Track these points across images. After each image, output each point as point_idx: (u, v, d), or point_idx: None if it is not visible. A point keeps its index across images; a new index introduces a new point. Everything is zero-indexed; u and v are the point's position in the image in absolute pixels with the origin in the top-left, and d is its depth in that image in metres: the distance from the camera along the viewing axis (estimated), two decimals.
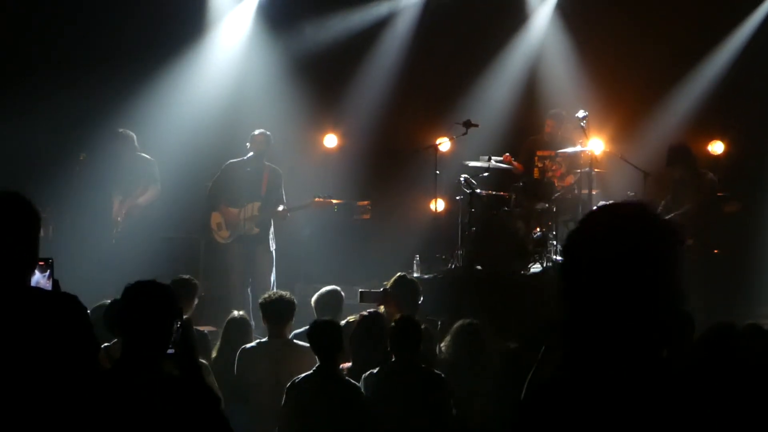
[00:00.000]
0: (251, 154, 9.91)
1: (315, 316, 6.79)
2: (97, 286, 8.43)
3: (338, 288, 7.43)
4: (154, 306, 3.47)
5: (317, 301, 7.19)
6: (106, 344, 5.69)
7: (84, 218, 10.21)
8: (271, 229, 10.06)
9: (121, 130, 10.25)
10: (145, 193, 10.17)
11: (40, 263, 3.66)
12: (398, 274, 7.48)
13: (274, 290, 6.60)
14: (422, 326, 5.94)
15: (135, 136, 10.28)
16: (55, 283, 3.85)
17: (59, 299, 3.48)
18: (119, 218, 10.12)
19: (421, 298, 7.22)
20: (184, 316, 6.33)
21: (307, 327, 5.91)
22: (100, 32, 11.64)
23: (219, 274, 10.35)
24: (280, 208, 9.88)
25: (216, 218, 10.04)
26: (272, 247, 10.02)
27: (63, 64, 11.51)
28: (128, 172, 10.17)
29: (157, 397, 3.39)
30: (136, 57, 11.57)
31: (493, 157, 10.59)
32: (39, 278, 3.74)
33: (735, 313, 7.98)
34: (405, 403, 5.52)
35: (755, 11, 11.73)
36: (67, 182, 9.98)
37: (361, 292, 8.13)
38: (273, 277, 10.03)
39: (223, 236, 9.99)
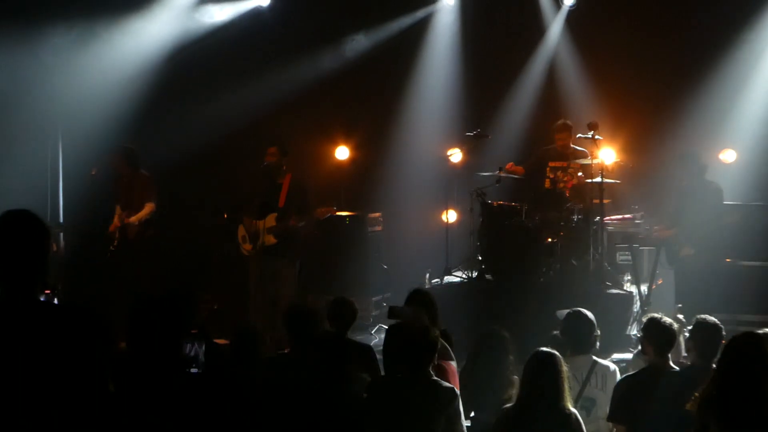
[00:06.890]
0: (266, 165, 9.96)
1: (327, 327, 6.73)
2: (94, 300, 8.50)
3: (351, 300, 7.29)
4: (157, 323, 3.49)
5: (329, 311, 7.03)
6: None
7: (84, 232, 10.27)
8: (297, 243, 10.00)
9: (127, 146, 10.30)
10: (142, 210, 10.15)
11: (46, 291, 3.66)
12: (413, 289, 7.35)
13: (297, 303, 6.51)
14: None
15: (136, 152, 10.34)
16: None
17: (68, 313, 3.48)
18: (116, 235, 10.15)
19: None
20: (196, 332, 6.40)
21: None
22: None
23: (238, 286, 10.39)
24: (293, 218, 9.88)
25: (241, 231, 10.12)
26: (297, 262, 10.00)
27: None
28: (128, 189, 10.23)
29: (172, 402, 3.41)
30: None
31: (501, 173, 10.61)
32: None
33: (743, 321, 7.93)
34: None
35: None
36: (80, 197, 10.04)
37: (390, 307, 7.79)
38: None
39: (247, 249, 10.03)
